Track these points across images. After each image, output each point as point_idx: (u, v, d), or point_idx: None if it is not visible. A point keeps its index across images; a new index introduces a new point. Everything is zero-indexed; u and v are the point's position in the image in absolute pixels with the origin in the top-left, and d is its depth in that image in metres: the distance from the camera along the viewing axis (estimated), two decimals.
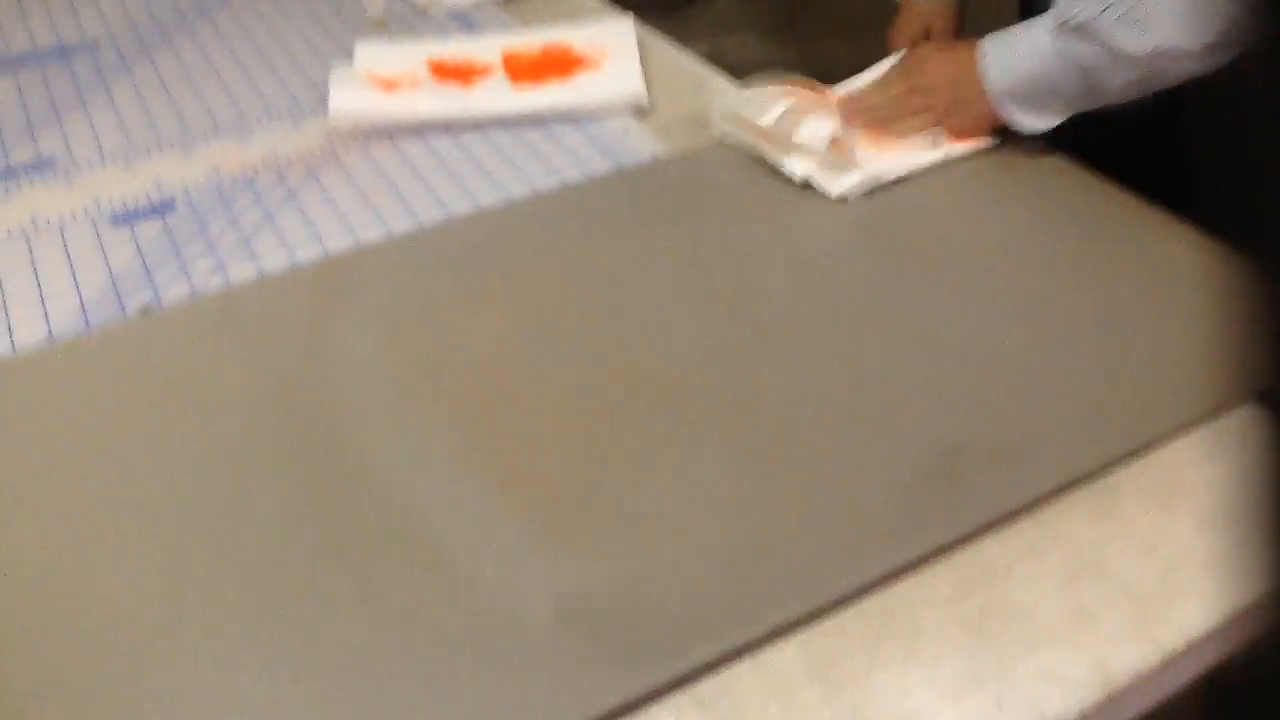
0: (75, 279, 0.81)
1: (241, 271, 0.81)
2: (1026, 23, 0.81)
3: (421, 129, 0.96)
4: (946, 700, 0.51)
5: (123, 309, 0.78)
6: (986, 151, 0.87)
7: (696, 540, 0.58)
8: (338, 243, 0.83)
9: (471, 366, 0.70)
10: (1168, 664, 0.53)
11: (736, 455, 0.63)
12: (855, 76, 0.94)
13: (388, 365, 0.70)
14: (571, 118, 0.97)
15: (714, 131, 0.91)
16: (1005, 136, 0.86)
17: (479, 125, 0.96)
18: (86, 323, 0.77)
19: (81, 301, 0.79)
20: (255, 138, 0.96)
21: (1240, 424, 0.64)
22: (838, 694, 0.52)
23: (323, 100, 1.00)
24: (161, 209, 0.88)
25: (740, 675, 0.53)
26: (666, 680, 0.51)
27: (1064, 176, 0.84)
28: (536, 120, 0.97)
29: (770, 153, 0.86)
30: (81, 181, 0.92)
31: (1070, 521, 0.59)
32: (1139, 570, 0.57)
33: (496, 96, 0.98)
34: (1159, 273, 0.75)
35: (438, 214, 0.86)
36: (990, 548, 0.58)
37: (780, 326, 0.71)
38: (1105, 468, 0.62)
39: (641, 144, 0.93)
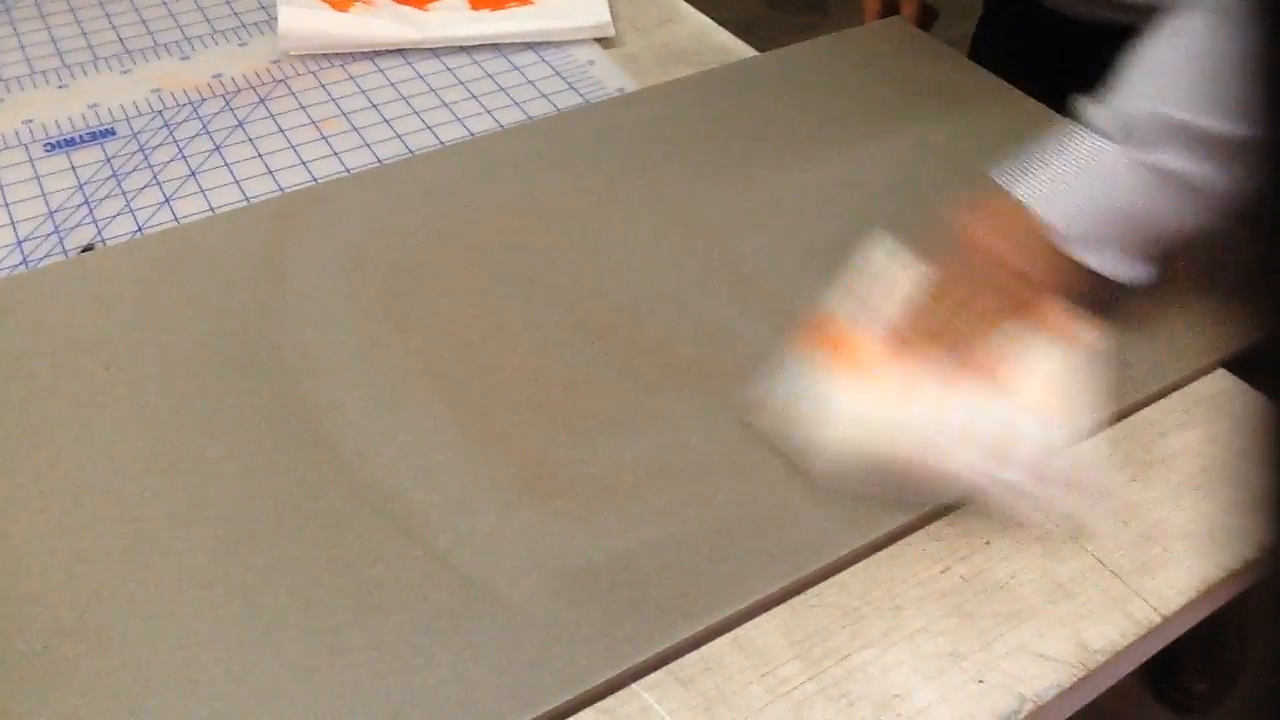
0: (9, 211, 0.76)
1: (189, 206, 0.77)
2: (1067, 143, 0.61)
3: (375, 54, 0.91)
4: (928, 676, 0.51)
5: (63, 246, 0.73)
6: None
7: (678, 508, 0.57)
8: (290, 176, 0.79)
9: (439, 313, 0.67)
10: (1144, 638, 0.53)
11: (716, 415, 0.61)
12: (857, 283, 0.64)
13: (351, 311, 0.67)
14: (533, 45, 0.93)
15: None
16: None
17: (436, 51, 0.92)
18: (23, 260, 0.72)
19: (17, 236, 0.74)
20: (199, 58, 0.91)
21: (1212, 391, 0.65)
22: (820, 670, 0.51)
23: (270, 19, 0.95)
24: (101, 135, 0.83)
25: (722, 651, 0.52)
26: (649, 658, 0.51)
27: None
28: (497, 47, 0.92)
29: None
30: (12, 101, 0.86)
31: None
32: (1114, 543, 0.57)
33: (454, 19, 0.93)
34: None
35: (394, 147, 0.82)
36: (967, 519, 0.58)
37: (757, 276, 0.70)
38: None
39: (607, 76, 0.90)
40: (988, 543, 0.57)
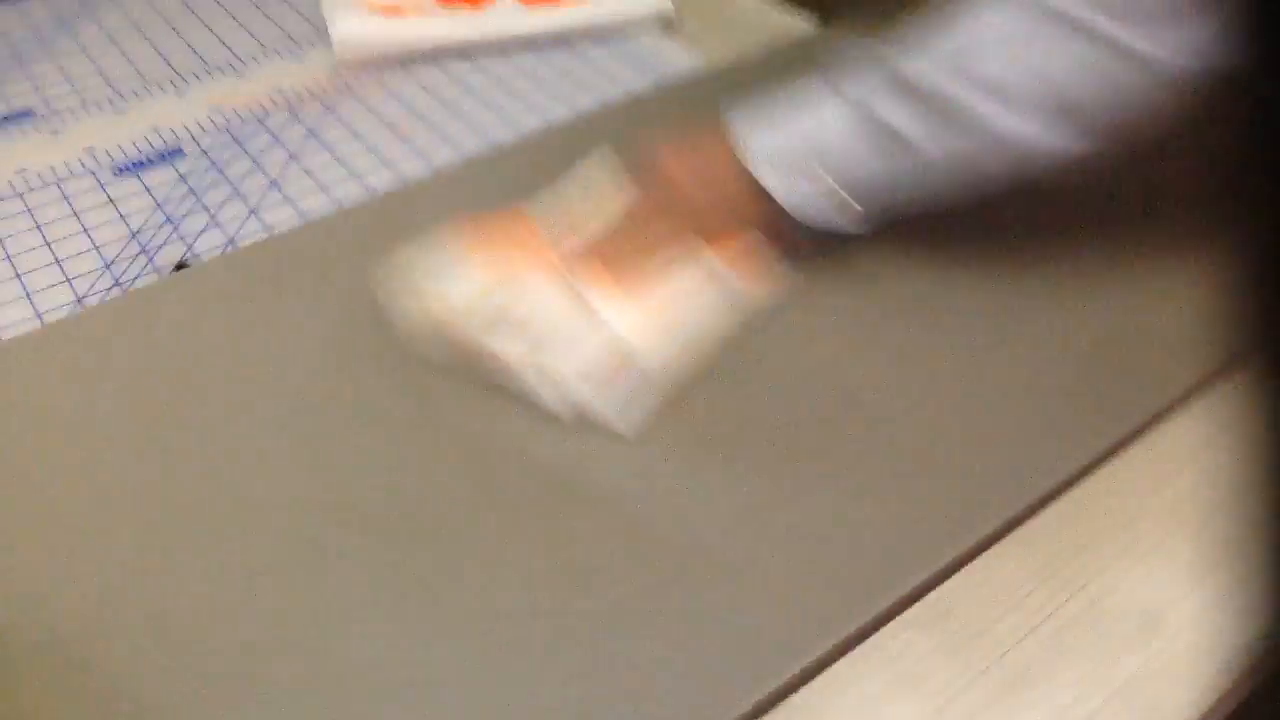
0: (90, 236, 0.72)
1: (277, 215, 0.73)
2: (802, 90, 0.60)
3: (436, 55, 0.89)
4: (1181, 590, 0.48)
5: (153, 264, 0.70)
6: None
7: (911, 448, 0.54)
8: (377, 178, 0.76)
9: None
10: None
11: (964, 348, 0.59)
12: (567, 187, 0.66)
13: None
14: (595, 36, 0.91)
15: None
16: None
17: (499, 48, 0.89)
18: (115, 282, 0.69)
19: (104, 259, 0.70)
20: (255, 76, 0.88)
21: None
22: (1067, 594, 0.48)
23: (319, 32, 0.92)
24: (169, 156, 0.79)
25: (958, 591, 0.49)
26: (889, 606, 0.47)
27: None
28: (560, 41, 0.90)
29: (494, 368, 0.58)
30: (70, 133, 0.82)
31: None
32: None
33: (510, 18, 0.91)
34: None
35: (477, 141, 0.79)
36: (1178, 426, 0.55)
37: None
38: None
39: (676, 57, 0.88)
40: (1197, 454, 0.54)
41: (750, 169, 0.58)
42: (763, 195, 0.58)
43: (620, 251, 0.60)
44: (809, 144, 0.57)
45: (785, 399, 0.57)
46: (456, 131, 0.80)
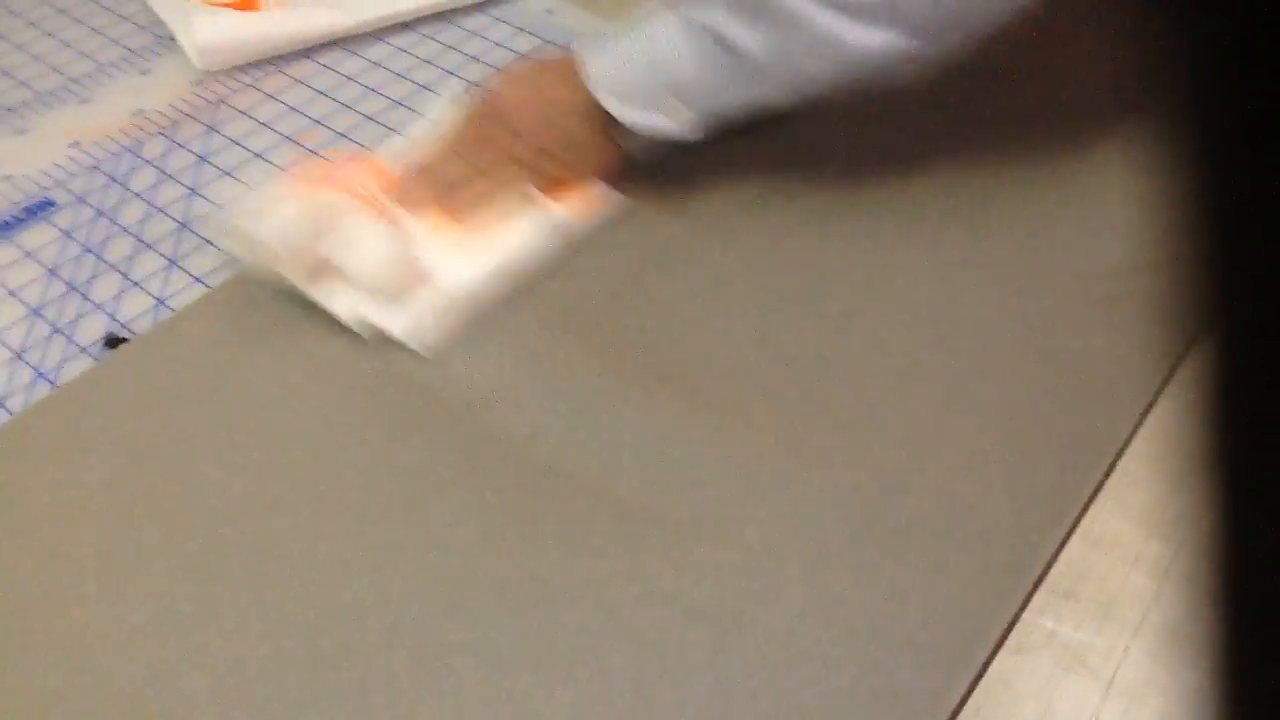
0: None
1: (203, 264, 0.65)
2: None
3: (309, 51, 0.80)
4: None
5: (76, 344, 0.60)
6: None
7: (953, 438, 0.53)
8: None
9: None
10: None
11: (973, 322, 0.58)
12: (415, 127, 0.68)
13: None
14: (482, 6, 0.84)
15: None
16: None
17: (378, 34, 0.81)
18: (37, 373, 0.59)
19: (11, 349, 0.60)
20: (103, 99, 0.77)
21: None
22: (1177, 540, 0.50)
23: (160, 39, 0.82)
24: (38, 209, 0.68)
25: (1080, 555, 0.49)
26: (1029, 585, 0.48)
27: None
28: (443, 16, 0.83)
29: (306, 285, 0.59)
30: None
31: None
32: None
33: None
34: None
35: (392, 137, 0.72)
36: None
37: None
38: None
39: (573, 21, 0.83)
40: None
41: (588, 87, 0.59)
42: (599, 114, 0.59)
43: (442, 176, 0.62)
44: (645, 58, 0.58)
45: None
46: (364, 130, 0.73)
